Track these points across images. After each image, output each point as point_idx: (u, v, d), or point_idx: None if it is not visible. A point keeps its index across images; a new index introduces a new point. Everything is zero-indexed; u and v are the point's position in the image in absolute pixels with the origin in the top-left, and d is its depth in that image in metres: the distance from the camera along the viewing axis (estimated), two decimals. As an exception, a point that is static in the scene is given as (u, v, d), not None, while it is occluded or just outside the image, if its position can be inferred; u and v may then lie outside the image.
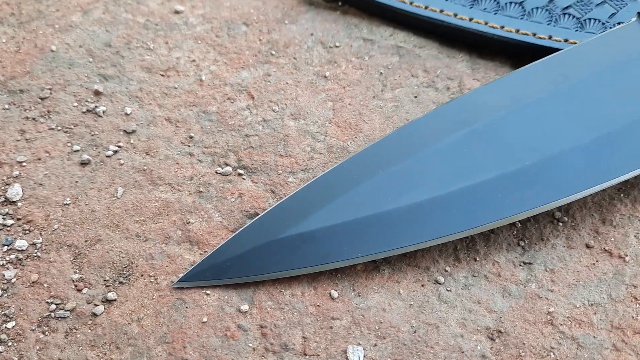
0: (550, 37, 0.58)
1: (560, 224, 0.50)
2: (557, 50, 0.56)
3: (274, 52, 0.61)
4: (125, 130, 0.55)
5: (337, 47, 0.62)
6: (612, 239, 0.49)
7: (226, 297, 0.46)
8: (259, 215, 0.49)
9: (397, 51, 0.61)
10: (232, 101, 0.57)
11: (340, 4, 0.66)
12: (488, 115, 0.51)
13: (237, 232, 0.48)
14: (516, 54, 0.60)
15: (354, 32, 0.63)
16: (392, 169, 0.49)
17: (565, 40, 0.58)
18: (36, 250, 0.48)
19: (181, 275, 0.47)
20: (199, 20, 0.64)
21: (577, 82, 0.52)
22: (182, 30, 0.64)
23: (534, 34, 0.58)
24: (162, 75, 0.60)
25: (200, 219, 0.50)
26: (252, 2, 0.66)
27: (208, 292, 0.46)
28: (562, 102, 0.51)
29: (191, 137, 0.55)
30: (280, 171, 0.53)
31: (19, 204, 0.50)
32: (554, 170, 0.48)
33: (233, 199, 0.51)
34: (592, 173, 0.48)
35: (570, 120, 0.51)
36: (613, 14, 0.59)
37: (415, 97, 0.58)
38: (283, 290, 0.46)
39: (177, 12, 0.65)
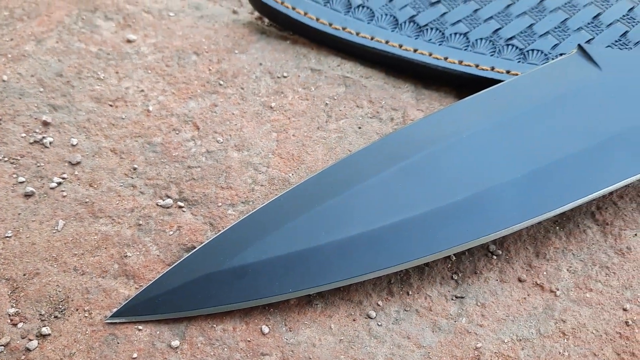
0: (492, 69, 0.59)
1: (495, 257, 0.51)
2: (500, 81, 0.57)
3: (222, 82, 0.62)
4: (70, 162, 0.56)
5: (284, 77, 0.62)
6: (545, 273, 0.50)
7: (158, 332, 0.46)
8: (194, 250, 0.49)
9: (344, 81, 0.62)
10: (177, 132, 0.58)
11: (291, 33, 0.67)
12: (425, 149, 0.52)
13: (171, 267, 0.49)
14: (461, 84, 0.60)
15: (302, 62, 0.64)
16: (327, 202, 0.50)
17: (508, 72, 0.58)
18: (-28, 285, 0.48)
19: (115, 310, 0.47)
20: (151, 49, 0.65)
21: (515, 115, 0.53)
22: (134, 59, 0.64)
23: (477, 66, 0.59)
24: (111, 106, 0.60)
25: (138, 253, 0.50)
26: (205, 31, 0.67)
27: (140, 327, 0.46)
28: (499, 135, 0.52)
29: (135, 169, 0.55)
30: (220, 203, 0.53)
31: (-42, 237, 0.51)
32: (488, 204, 0.49)
33: (171, 232, 0.52)
34: (525, 206, 0.49)
35: (507, 153, 0.51)
36: (556, 45, 0.60)
37: (359, 128, 0.59)
38: (215, 325, 0.47)
39: (129, 41, 0.66)
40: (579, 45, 0.56)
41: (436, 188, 0.50)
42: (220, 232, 0.50)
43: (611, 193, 0.54)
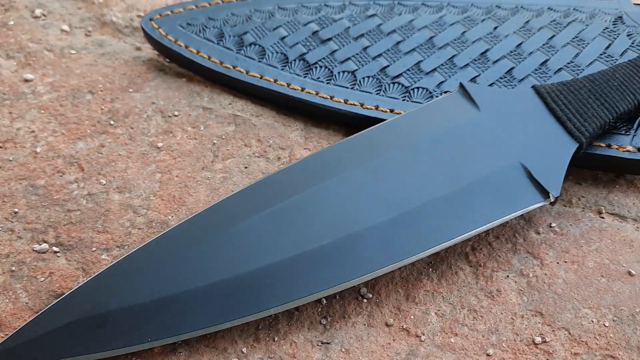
0: (377, 107, 0.59)
1: (365, 300, 0.51)
2: (383, 120, 0.57)
3: (112, 122, 0.62)
4: (-49, 206, 0.56)
5: (176, 116, 0.62)
6: (412, 317, 0.49)
7: (15, 383, 0.46)
8: (61, 297, 0.49)
9: (234, 120, 0.62)
10: (61, 174, 0.58)
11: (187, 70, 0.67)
12: (297, 192, 0.52)
13: (36, 315, 0.48)
14: (349, 123, 0.61)
15: (195, 100, 0.64)
16: (195, 247, 0.50)
17: (391, 111, 0.58)
18: None
19: (-26, 360, 0.47)
20: (47, 88, 0.65)
21: (389, 156, 0.53)
22: (29, 99, 0.64)
23: (362, 104, 0.59)
24: (1, 147, 0.60)
25: (7, 300, 0.50)
26: (103, 69, 0.67)
27: (-1, 378, 0.46)
28: (370, 178, 0.52)
29: (15, 213, 0.55)
30: (95, 248, 0.53)
31: None
32: (356, 247, 0.49)
33: (43, 279, 0.51)
34: (391, 249, 0.49)
35: (377, 195, 0.51)
36: (441, 82, 0.60)
37: (246, 167, 0.59)
38: (74, 376, 0.46)
39: (27, 80, 0.66)
40: (460, 83, 0.56)
41: (306, 231, 0.50)
42: (89, 279, 0.50)
43: (487, 233, 0.54)
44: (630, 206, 0.56)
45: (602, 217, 0.55)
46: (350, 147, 0.55)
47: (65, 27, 0.73)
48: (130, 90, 0.65)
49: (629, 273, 0.51)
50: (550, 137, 0.53)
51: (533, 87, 0.55)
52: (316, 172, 0.53)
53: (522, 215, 0.52)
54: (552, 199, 0.50)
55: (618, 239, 0.53)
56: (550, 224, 0.55)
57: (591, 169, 0.58)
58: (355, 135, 0.55)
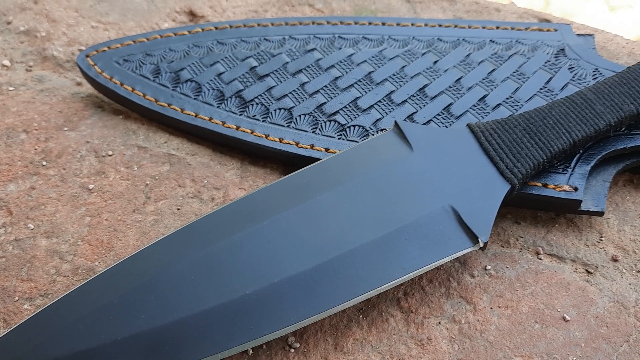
0: (312, 146, 0.57)
1: (292, 350, 0.49)
2: (318, 159, 0.56)
3: (45, 163, 0.60)
4: None
5: (110, 155, 0.61)
6: (339, 367, 0.48)
7: None
8: (-24, 352, 0.48)
9: (169, 159, 0.61)
10: (-12, 219, 0.56)
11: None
12: (226, 236, 0.50)
13: (-52, 372, 0.47)
14: (286, 161, 0.59)
15: (130, 139, 0.63)
16: (117, 297, 0.48)
17: (326, 150, 0.57)
18: None
19: None
20: (-19, 128, 0.64)
21: (318, 200, 0.51)
22: (-38, 139, 0.63)
23: (297, 143, 0.58)
24: None
25: None
26: (39, 107, 0.66)
27: None
28: (298, 222, 0.50)
29: (-61, 260, 0.54)
30: (17, 297, 0.51)
31: None
32: (281, 296, 0.47)
33: (-39, 331, 0.50)
34: (315, 298, 0.47)
35: (304, 240, 0.50)
36: (378, 119, 0.58)
37: (178, 209, 0.57)
38: None
39: (-39, 119, 0.65)
40: (395, 122, 0.54)
41: (231, 279, 0.48)
42: (8, 331, 0.48)
43: (421, 277, 0.53)
44: (569, 246, 0.54)
45: (540, 259, 0.54)
46: (281, 189, 0.53)
47: (7, 62, 0.72)
48: (66, 128, 0.63)
49: (564, 318, 0.50)
50: (482, 179, 0.51)
51: (468, 125, 0.54)
52: (246, 215, 0.52)
53: (457, 257, 0.51)
54: (481, 244, 0.48)
55: (554, 281, 0.52)
56: (486, 266, 0.53)
57: (529, 209, 0.56)
58: (288, 176, 0.53)
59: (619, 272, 0.53)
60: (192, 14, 0.75)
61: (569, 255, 0.54)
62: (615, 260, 0.54)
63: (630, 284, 0.52)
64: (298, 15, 0.74)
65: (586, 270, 0.53)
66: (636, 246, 0.54)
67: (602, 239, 0.55)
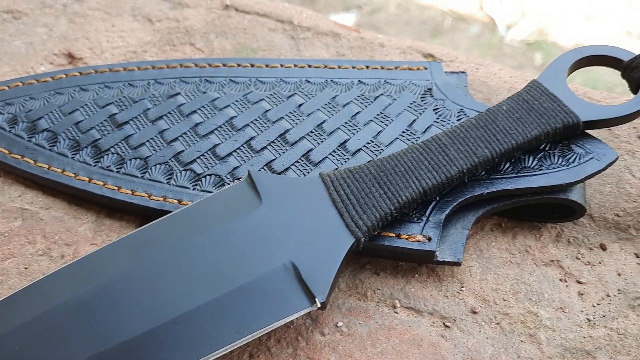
0: (164, 198, 0.55)
1: (125, 421, 0.46)
2: (170, 212, 0.53)
3: None
4: None
5: (-41, 212, 0.58)
6: None
7: None
8: None
9: (21, 214, 0.58)
10: None
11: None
12: (60, 298, 0.48)
13: None
14: (141, 214, 0.57)
15: (-17, 193, 0.60)
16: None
17: (179, 201, 0.55)
18: None
19: None
20: None
21: (162, 257, 0.49)
22: None
23: (149, 195, 0.55)
24: None
25: None
26: None
27: None
28: (138, 283, 0.48)
29: None
30: None
31: None
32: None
33: None
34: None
35: (141, 302, 0.47)
36: (236, 168, 0.56)
37: (26, 268, 0.54)
38: None
39: None
40: (249, 171, 0.52)
41: (43, 356, 0.45)
42: None
43: (268, 336, 0.50)
44: (427, 298, 0.52)
45: (397, 312, 0.51)
46: (124, 246, 0.51)
47: None
48: None
49: (411, 379, 0.47)
50: (328, 232, 0.49)
51: (320, 174, 0.52)
52: (84, 276, 0.49)
53: (308, 313, 0.49)
54: (318, 304, 0.46)
55: (407, 338, 0.50)
56: (337, 323, 0.51)
57: (387, 259, 0.54)
58: (131, 233, 0.51)
59: (478, 324, 0.51)
60: (70, 56, 0.72)
61: (426, 307, 0.52)
62: (474, 312, 0.51)
63: (487, 338, 0.50)
64: (179, 55, 0.71)
65: (444, 324, 0.51)
66: (497, 296, 0.52)
67: (463, 289, 0.53)
